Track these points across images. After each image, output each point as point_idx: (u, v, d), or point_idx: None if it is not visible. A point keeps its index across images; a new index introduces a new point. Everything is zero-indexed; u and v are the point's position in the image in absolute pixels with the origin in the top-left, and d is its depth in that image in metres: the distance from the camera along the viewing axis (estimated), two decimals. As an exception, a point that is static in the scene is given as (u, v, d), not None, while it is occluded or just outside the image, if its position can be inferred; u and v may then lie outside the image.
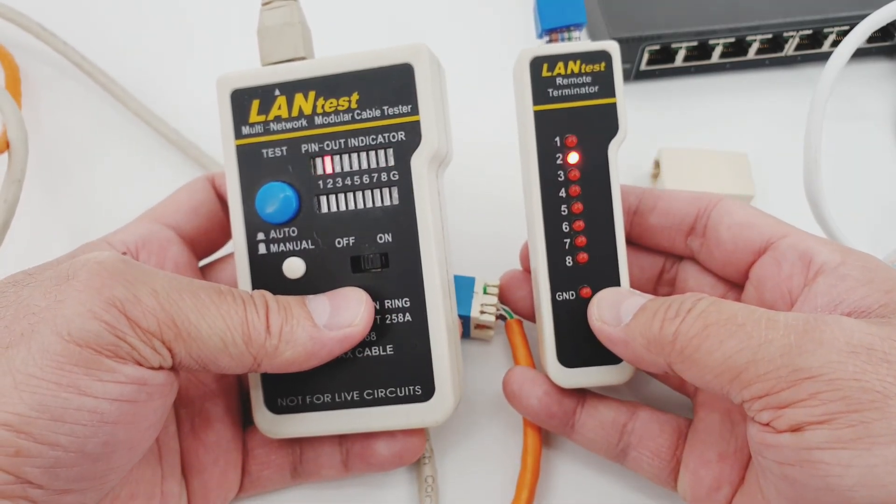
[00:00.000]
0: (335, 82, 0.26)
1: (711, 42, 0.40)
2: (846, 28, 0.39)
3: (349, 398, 0.27)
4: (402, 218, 0.26)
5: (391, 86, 0.26)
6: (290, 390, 0.27)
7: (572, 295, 0.27)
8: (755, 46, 0.40)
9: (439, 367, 0.26)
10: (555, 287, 0.27)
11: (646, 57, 0.40)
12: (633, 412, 0.28)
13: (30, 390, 0.20)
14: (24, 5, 0.41)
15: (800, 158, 0.32)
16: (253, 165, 0.27)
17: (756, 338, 0.21)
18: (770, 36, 0.40)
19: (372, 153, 0.26)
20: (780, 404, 0.20)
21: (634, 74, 0.41)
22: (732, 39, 0.40)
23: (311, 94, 0.26)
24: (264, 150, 0.27)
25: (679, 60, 0.41)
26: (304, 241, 0.27)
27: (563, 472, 0.31)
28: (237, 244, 0.27)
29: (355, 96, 0.26)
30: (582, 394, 0.29)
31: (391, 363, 0.26)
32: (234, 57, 0.34)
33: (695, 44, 0.40)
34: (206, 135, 0.39)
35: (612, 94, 0.27)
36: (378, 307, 0.26)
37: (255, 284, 0.27)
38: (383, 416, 0.27)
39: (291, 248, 0.27)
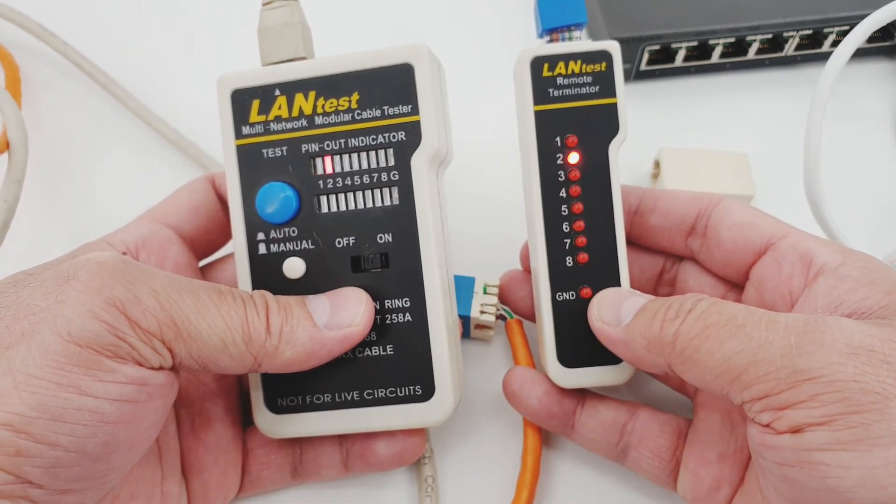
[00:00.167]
0: (335, 82, 0.26)
1: (711, 42, 0.40)
2: (846, 28, 0.39)
3: (349, 398, 0.27)
4: (403, 218, 0.26)
5: (391, 86, 0.26)
6: (291, 390, 0.27)
7: (572, 295, 0.27)
8: (755, 46, 0.40)
9: (439, 367, 0.26)
10: (555, 287, 0.27)
11: (646, 57, 0.40)
12: (633, 412, 0.28)
13: (30, 390, 0.20)
14: (24, 5, 0.41)
15: (800, 158, 0.32)
16: (253, 165, 0.27)
17: (756, 339, 0.21)
18: (770, 36, 0.40)
19: (372, 153, 0.26)
20: (780, 405, 0.20)
21: (634, 74, 0.41)
22: (732, 39, 0.40)
23: (312, 94, 0.26)
24: (264, 150, 0.27)
25: (679, 60, 0.41)
26: (304, 241, 0.27)
27: (563, 472, 0.31)
28: (237, 244, 0.27)
29: (355, 96, 0.26)
30: (582, 394, 0.29)
31: (391, 363, 0.26)
32: (234, 57, 0.34)
33: (695, 44, 0.40)
34: (206, 135, 0.39)
35: (613, 94, 0.27)
36: (378, 307, 0.26)
37: (256, 284, 0.27)
38: (383, 416, 0.27)
39: (291, 248, 0.27)
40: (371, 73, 0.26)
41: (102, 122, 0.41)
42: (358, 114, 0.26)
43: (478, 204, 0.37)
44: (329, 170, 0.27)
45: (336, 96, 0.26)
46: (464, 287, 0.32)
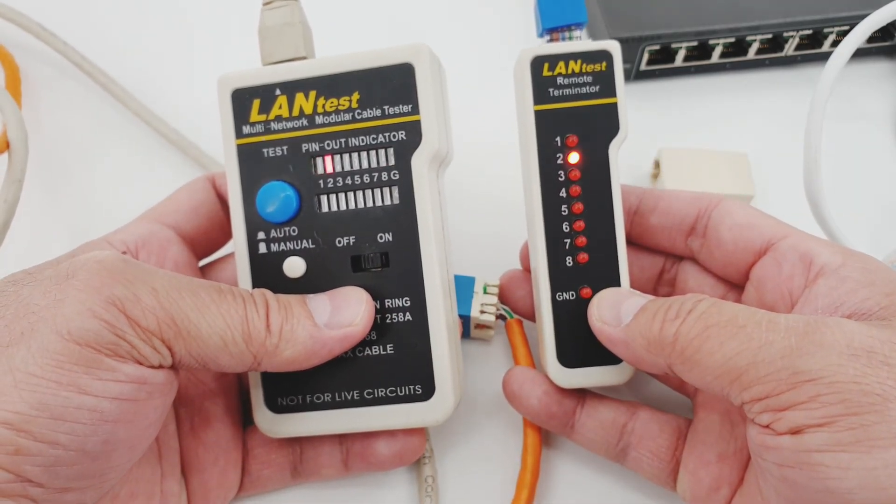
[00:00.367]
0: (336, 82, 0.26)
1: (711, 42, 0.40)
2: (846, 28, 0.39)
3: (349, 397, 0.27)
4: (403, 217, 0.26)
5: (392, 85, 0.26)
6: (291, 389, 0.27)
7: (572, 295, 0.27)
8: (755, 46, 0.40)
9: (439, 367, 0.26)
10: (555, 287, 0.27)
11: (646, 57, 0.40)
12: (633, 412, 0.28)
13: (30, 389, 0.20)
14: (24, 5, 0.41)
15: (800, 158, 0.32)
16: (253, 165, 0.27)
17: (757, 340, 0.21)
18: (770, 36, 0.40)
19: (372, 153, 0.26)
20: (779, 406, 0.20)
21: (634, 74, 0.41)
22: (732, 39, 0.40)
23: (312, 94, 0.26)
24: (265, 150, 0.27)
25: (679, 60, 0.41)
26: (304, 241, 0.27)
27: (563, 472, 0.31)
28: (238, 243, 0.27)
29: (356, 96, 0.26)
30: (582, 394, 0.29)
31: (391, 362, 0.26)
32: (234, 57, 0.34)
33: (695, 44, 0.40)
34: (206, 135, 0.39)
35: (613, 94, 0.27)
36: (378, 306, 0.26)
37: (256, 283, 0.27)
38: (383, 416, 0.27)
39: (292, 247, 0.27)
40: (371, 72, 0.26)
41: (102, 122, 0.41)
42: (358, 113, 0.26)
43: (478, 204, 0.37)
44: (329, 169, 0.27)
45: (336, 96, 0.26)
46: (464, 287, 0.32)
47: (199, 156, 0.39)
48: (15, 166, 0.32)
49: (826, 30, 0.40)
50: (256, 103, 0.27)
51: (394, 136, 0.26)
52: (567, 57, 0.27)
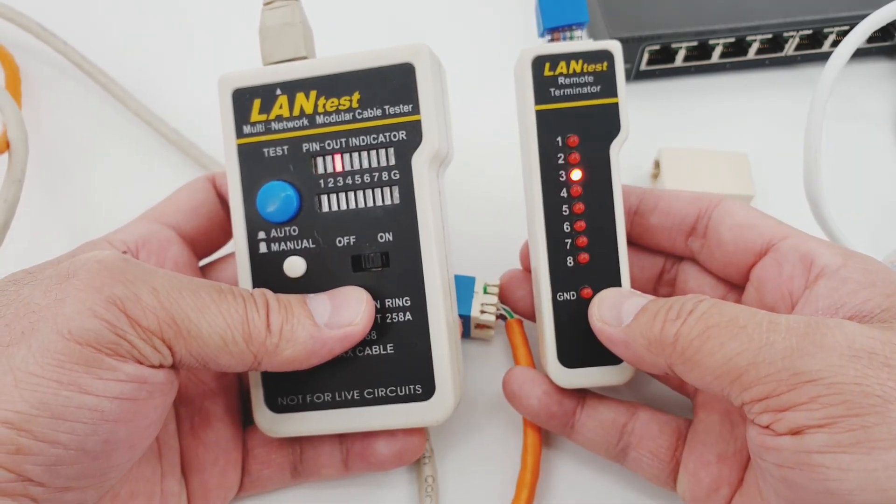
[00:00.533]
0: (336, 82, 0.26)
1: (711, 42, 0.40)
2: (846, 28, 0.39)
3: (349, 397, 0.27)
4: (403, 217, 0.26)
5: (392, 85, 0.26)
6: (291, 389, 0.27)
7: (573, 295, 0.27)
8: (755, 46, 0.40)
9: (440, 367, 0.26)
10: (555, 287, 0.27)
11: (646, 57, 0.40)
12: (633, 412, 0.28)
13: (30, 388, 0.20)
14: (24, 5, 0.41)
15: (800, 158, 0.32)
16: (254, 164, 0.27)
17: (757, 340, 0.21)
18: (770, 36, 0.40)
19: (373, 152, 0.26)
20: (780, 407, 0.20)
21: (634, 74, 0.41)
22: (732, 39, 0.40)
23: (313, 94, 0.26)
24: (265, 150, 0.27)
25: (679, 60, 0.41)
26: (304, 240, 0.27)
27: (563, 472, 0.31)
28: (238, 243, 0.27)
29: (356, 96, 0.26)
30: (582, 394, 0.29)
31: (391, 362, 0.26)
32: (234, 57, 0.34)
33: (695, 44, 0.40)
34: (206, 135, 0.39)
35: (615, 94, 0.27)
36: (378, 306, 0.26)
37: (256, 283, 0.27)
38: (383, 416, 0.27)
39: (292, 246, 0.27)
40: (372, 72, 0.26)
41: (102, 122, 0.41)
42: (359, 113, 0.26)
43: (478, 204, 0.37)
44: (330, 169, 0.27)
45: (337, 96, 0.26)
46: (464, 287, 0.32)
47: (199, 156, 0.39)
48: (15, 166, 0.32)
49: (826, 30, 0.40)
50: (257, 103, 0.27)
51: (394, 136, 0.26)
52: (568, 57, 0.27)
